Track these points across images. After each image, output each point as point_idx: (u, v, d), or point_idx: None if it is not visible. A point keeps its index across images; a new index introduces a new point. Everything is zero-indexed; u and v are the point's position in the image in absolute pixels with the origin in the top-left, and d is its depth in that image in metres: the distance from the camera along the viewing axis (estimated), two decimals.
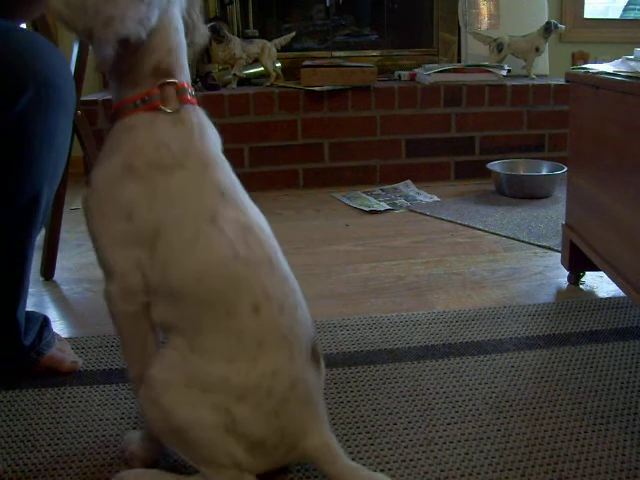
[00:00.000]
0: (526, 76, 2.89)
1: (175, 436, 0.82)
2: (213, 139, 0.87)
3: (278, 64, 2.83)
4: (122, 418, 1.07)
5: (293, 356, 0.84)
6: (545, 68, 3.05)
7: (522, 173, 2.54)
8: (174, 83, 0.84)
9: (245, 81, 2.80)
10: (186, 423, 0.80)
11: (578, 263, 1.57)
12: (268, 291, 0.83)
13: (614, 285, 1.35)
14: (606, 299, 1.50)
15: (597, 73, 1.36)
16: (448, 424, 1.04)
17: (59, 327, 1.43)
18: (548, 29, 2.82)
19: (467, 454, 0.96)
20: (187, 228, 0.81)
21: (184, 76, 0.86)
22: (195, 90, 0.88)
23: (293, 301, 0.86)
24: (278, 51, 2.78)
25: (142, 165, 0.81)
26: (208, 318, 0.81)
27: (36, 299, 1.59)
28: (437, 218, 2.21)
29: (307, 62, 2.74)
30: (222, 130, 0.90)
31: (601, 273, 1.51)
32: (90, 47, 0.81)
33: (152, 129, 0.82)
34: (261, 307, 0.82)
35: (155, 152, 0.81)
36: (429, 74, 2.69)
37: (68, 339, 1.33)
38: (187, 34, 0.89)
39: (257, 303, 0.82)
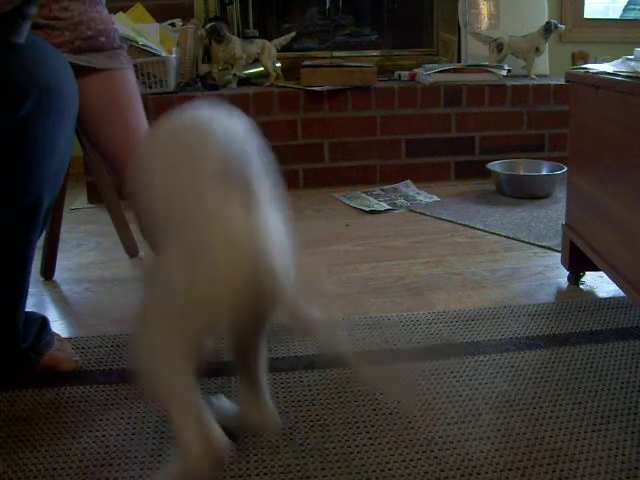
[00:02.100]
0: (526, 76, 2.89)
1: None
2: None
3: (278, 64, 2.83)
4: (122, 418, 1.07)
5: None
6: (545, 68, 3.05)
7: (522, 173, 2.54)
8: None
9: (245, 81, 2.80)
10: None
11: (578, 263, 1.56)
12: None
13: (614, 285, 1.35)
14: (606, 299, 1.50)
15: (597, 73, 1.36)
16: (448, 424, 1.04)
17: (59, 327, 1.42)
18: (548, 29, 2.81)
19: (467, 454, 0.96)
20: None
21: None
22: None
23: None
24: (278, 51, 2.77)
25: None
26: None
27: (36, 299, 1.59)
28: (437, 218, 2.21)
29: (307, 62, 2.74)
30: None
31: (601, 273, 1.51)
32: None
33: None
34: None
35: None
36: (429, 74, 2.69)
37: (68, 339, 1.33)
38: None
39: None
